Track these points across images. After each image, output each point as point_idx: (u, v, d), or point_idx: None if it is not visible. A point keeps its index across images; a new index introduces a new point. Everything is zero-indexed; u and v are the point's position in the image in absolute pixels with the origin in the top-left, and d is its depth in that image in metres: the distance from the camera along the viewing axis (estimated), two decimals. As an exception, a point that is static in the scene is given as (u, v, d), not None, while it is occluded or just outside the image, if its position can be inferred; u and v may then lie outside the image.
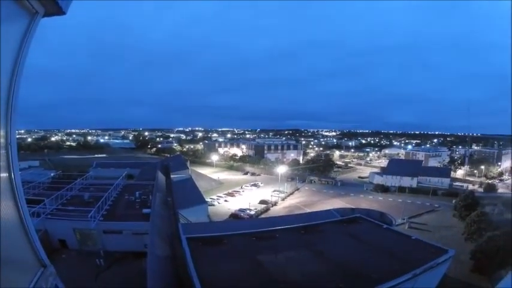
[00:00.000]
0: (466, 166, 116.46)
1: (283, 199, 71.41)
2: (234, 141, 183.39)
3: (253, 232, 22.61)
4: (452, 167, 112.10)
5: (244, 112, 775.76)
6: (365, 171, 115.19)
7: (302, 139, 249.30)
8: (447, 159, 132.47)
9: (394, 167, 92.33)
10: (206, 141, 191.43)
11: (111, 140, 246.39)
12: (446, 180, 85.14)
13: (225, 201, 67.56)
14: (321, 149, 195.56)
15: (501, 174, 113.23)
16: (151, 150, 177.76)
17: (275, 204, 66.88)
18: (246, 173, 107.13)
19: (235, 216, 55.15)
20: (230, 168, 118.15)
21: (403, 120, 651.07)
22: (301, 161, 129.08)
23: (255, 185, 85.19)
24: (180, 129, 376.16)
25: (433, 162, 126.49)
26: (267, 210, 62.54)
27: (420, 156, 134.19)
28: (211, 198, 65.72)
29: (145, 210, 27.16)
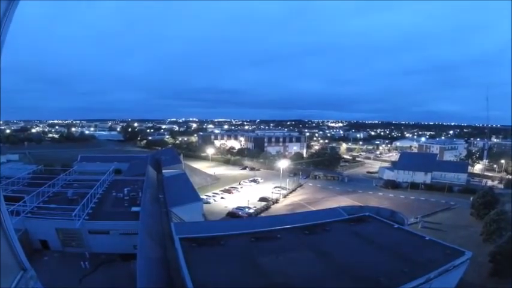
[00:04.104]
0: (484, 160, 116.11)
1: (285, 196, 71.59)
2: (231, 133, 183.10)
3: (253, 232, 22.74)
4: (470, 161, 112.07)
5: (249, 97, 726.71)
6: (374, 166, 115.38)
7: (306, 131, 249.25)
8: (464, 153, 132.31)
9: (406, 161, 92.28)
10: (201, 133, 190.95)
11: (97, 132, 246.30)
12: (463, 176, 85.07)
13: (222, 198, 67.70)
14: (327, 141, 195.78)
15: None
16: (142, 143, 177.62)
17: (276, 201, 67.09)
18: (245, 168, 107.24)
19: (232, 215, 55.36)
20: (227, 162, 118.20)
21: (449, 109, 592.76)
22: (304, 155, 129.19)
23: (254, 180, 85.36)
24: (172, 119, 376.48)
25: (448, 156, 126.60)
26: (267, 208, 62.73)
27: (434, 149, 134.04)
28: (206, 196, 65.89)
29: (134, 209, 27.28)
